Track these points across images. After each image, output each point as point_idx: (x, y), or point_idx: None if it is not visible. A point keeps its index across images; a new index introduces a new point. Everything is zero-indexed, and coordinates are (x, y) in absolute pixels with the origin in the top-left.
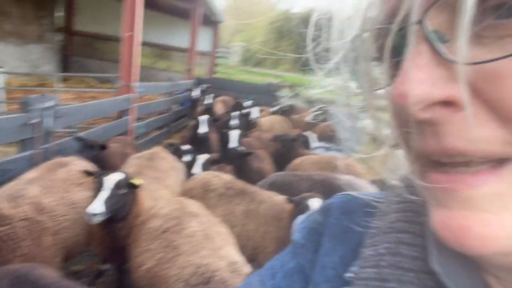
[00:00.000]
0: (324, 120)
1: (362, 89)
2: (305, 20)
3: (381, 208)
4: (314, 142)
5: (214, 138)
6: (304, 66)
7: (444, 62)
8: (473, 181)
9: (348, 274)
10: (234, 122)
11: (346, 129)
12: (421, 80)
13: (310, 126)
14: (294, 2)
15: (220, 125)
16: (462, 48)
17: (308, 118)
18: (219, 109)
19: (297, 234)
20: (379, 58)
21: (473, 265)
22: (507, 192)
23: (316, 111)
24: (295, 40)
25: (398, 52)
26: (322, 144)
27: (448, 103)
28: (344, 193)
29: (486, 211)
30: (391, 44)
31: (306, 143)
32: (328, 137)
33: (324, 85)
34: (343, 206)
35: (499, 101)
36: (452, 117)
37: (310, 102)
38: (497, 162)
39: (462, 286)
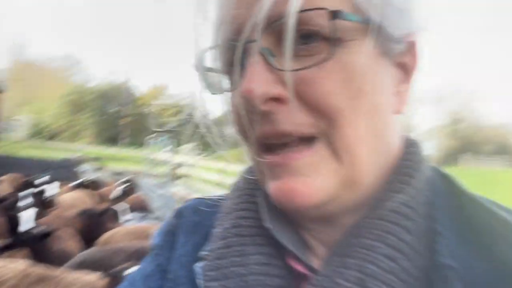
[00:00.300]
0: (133, 191)
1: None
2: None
3: (225, 203)
4: (126, 214)
5: (1, 222)
6: (109, 139)
7: (274, 70)
8: (296, 156)
9: (202, 252)
10: (24, 202)
11: (157, 198)
12: (260, 82)
13: (119, 199)
14: (90, 75)
15: (6, 206)
16: (287, 61)
17: (115, 192)
18: (4, 189)
19: (155, 239)
20: (224, 70)
21: (293, 222)
22: (318, 161)
23: (124, 182)
24: (95, 113)
25: (240, 63)
26: (135, 214)
27: (278, 99)
28: (195, 197)
29: (306, 176)
30: (238, 56)
31: (115, 216)
32: (141, 207)
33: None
34: (194, 206)
35: (309, 97)
36: (281, 109)
37: (117, 174)
38: (309, 140)
39: (287, 239)
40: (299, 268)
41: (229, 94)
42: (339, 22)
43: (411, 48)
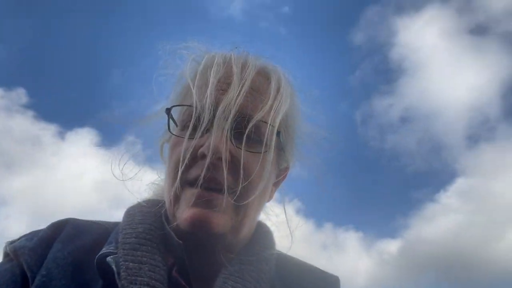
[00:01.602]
0: None
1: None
2: None
3: (128, 220)
4: None
5: None
6: None
7: (228, 142)
8: (218, 196)
9: (106, 250)
10: None
11: None
12: (225, 144)
13: None
14: None
15: None
16: (243, 145)
17: None
18: None
19: (24, 243)
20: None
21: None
22: (227, 207)
23: None
24: None
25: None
26: None
27: (219, 158)
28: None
29: (219, 212)
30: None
31: None
32: None
33: None
34: (70, 223)
35: (242, 169)
36: (220, 164)
37: None
38: (229, 190)
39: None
40: (182, 281)
41: (179, 141)
42: (273, 141)
43: (286, 171)
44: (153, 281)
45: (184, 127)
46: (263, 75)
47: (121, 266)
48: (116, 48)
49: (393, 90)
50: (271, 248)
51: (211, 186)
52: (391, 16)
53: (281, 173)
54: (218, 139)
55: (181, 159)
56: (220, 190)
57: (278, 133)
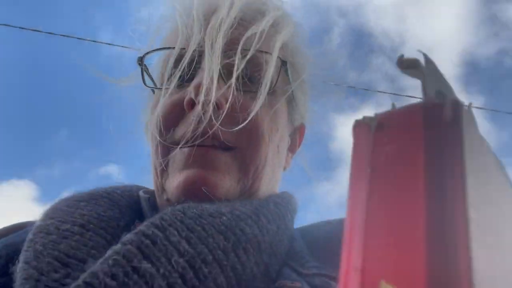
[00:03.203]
0: None
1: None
2: None
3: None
4: None
5: None
6: None
7: (220, 83)
8: (215, 152)
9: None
10: None
11: None
12: (212, 81)
13: None
14: None
15: None
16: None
17: None
18: None
19: None
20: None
21: None
22: (231, 165)
23: None
24: None
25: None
26: None
27: (219, 106)
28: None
29: (219, 172)
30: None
31: None
32: None
33: None
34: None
35: (243, 116)
36: (218, 115)
37: None
38: (227, 149)
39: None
40: None
41: (161, 92)
42: (278, 77)
43: (301, 130)
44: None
45: (164, 80)
46: (256, 10)
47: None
48: (67, 107)
49: (332, 177)
50: (290, 206)
51: (206, 142)
52: (331, 114)
53: (295, 131)
54: (207, 78)
55: (164, 112)
56: (218, 147)
57: (284, 63)
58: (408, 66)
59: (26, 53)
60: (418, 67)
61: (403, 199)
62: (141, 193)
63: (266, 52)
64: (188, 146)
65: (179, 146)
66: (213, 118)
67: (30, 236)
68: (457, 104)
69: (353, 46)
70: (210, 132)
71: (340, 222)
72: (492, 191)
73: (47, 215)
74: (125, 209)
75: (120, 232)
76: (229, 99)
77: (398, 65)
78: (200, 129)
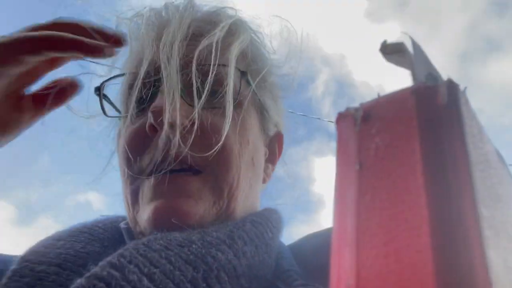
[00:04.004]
0: None
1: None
2: None
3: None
4: None
5: None
6: None
7: (183, 105)
8: (185, 178)
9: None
10: None
11: None
12: (172, 107)
13: None
14: None
15: None
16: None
17: None
18: None
19: None
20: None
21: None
22: (203, 189)
23: None
24: None
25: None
26: None
27: (183, 128)
28: None
29: (192, 198)
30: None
31: None
32: None
33: None
34: None
35: (209, 134)
36: (183, 137)
37: None
38: (197, 172)
39: None
40: None
41: (123, 123)
42: (240, 88)
43: (279, 139)
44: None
45: (125, 107)
46: (209, 22)
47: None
48: (50, 132)
49: (312, 220)
50: (272, 224)
51: (175, 167)
52: (311, 156)
53: (272, 141)
54: (165, 100)
55: (128, 140)
56: (188, 170)
57: (244, 73)
58: (393, 50)
59: None
60: (404, 51)
61: (400, 199)
62: (121, 224)
63: (223, 65)
64: (155, 175)
65: (146, 175)
66: (179, 141)
67: (4, 280)
68: (452, 85)
69: (336, 94)
70: (181, 156)
71: (327, 232)
72: (497, 185)
73: (23, 259)
74: (108, 242)
75: None
76: (194, 120)
77: (382, 50)
78: (166, 154)
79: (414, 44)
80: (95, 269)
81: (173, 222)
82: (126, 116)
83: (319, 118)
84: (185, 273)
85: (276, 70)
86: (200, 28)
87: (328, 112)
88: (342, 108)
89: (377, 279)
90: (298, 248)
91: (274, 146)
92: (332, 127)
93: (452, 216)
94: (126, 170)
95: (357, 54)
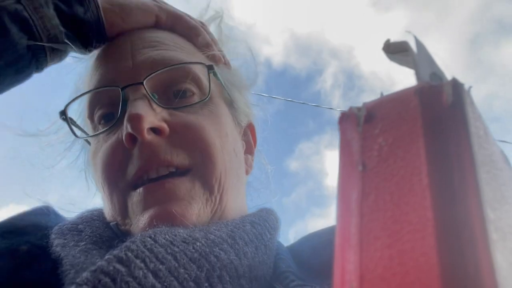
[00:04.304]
0: None
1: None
2: None
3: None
4: None
5: None
6: None
7: (157, 109)
8: (175, 181)
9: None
10: None
11: None
12: (147, 112)
13: None
14: None
15: None
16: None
17: None
18: None
19: None
20: (95, 117)
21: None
22: (193, 188)
23: None
24: None
25: (122, 104)
26: None
27: (160, 132)
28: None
29: (185, 200)
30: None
31: None
32: None
33: None
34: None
35: (188, 133)
36: (162, 141)
37: None
38: (184, 172)
39: None
40: None
41: (96, 141)
42: (208, 83)
43: (251, 129)
44: None
45: (94, 124)
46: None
47: None
48: None
49: (328, 214)
50: (269, 224)
51: (161, 173)
52: (323, 150)
53: (246, 132)
54: (138, 106)
55: (105, 157)
56: (175, 173)
57: (211, 67)
58: (396, 50)
59: None
60: (408, 51)
61: (404, 201)
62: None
63: (190, 63)
64: (144, 185)
65: (134, 188)
66: (159, 145)
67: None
68: (457, 85)
69: (345, 86)
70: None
71: (325, 232)
72: (503, 186)
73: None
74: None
75: None
76: (170, 122)
77: (384, 50)
78: (149, 162)
79: (418, 42)
80: (101, 262)
81: (174, 224)
82: (97, 134)
83: (331, 108)
84: (189, 272)
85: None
86: (158, 35)
87: (338, 104)
88: (351, 100)
89: (381, 281)
90: (296, 249)
91: (248, 137)
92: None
93: (458, 218)
94: (108, 187)
95: (365, 45)
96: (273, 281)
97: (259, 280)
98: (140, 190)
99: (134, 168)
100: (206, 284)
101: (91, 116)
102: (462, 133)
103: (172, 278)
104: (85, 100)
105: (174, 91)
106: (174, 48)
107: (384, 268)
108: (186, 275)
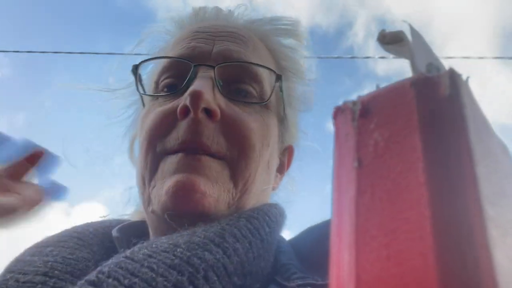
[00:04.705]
0: None
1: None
2: None
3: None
4: None
5: None
6: None
7: (217, 94)
8: (207, 159)
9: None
10: None
11: None
12: (208, 91)
13: None
14: None
15: None
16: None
17: None
18: None
19: None
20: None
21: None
22: (221, 173)
23: None
24: None
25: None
26: None
27: (211, 115)
28: None
29: (209, 179)
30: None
31: None
32: None
33: None
34: None
35: (235, 127)
36: (210, 125)
37: None
38: (218, 158)
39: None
40: None
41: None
42: (270, 91)
43: (290, 151)
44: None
45: (158, 89)
46: (253, 30)
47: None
48: None
49: None
50: (271, 217)
51: (198, 151)
52: None
53: (284, 153)
54: (203, 85)
55: (156, 120)
56: (210, 155)
57: (279, 77)
58: (392, 40)
59: None
60: (403, 41)
61: (401, 198)
62: (114, 232)
63: (262, 66)
64: (181, 153)
65: (171, 153)
66: (208, 127)
67: None
68: (454, 75)
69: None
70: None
71: (327, 225)
72: (503, 180)
73: (8, 269)
74: (97, 247)
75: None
76: (225, 111)
77: (379, 40)
78: (193, 137)
79: (413, 32)
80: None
81: (189, 197)
82: (157, 97)
83: (368, 57)
84: (169, 278)
85: (299, 81)
86: (242, 32)
87: (374, 55)
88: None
89: (377, 283)
90: (298, 242)
91: (284, 158)
92: (381, 70)
93: (456, 216)
94: (148, 147)
95: None
96: (274, 274)
97: (254, 275)
98: (178, 154)
99: (176, 139)
100: (191, 287)
101: (157, 81)
102: (460, 126)
103: None
104: (159, 65)
105: (240, 88)
106: (253, 48)
107: (381, 269)
108: (165, 283)
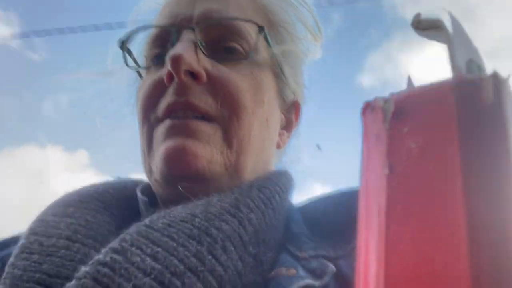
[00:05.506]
0: None
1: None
2: None
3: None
4: None
5: None
6: None
7: (200, 55)
8: (196, 122)
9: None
10: None
11: None
12: (189, 54)
13: None
14: None
15: None
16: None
17: None
18: None
19: None
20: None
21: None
22: (213, 135)
23: None
24: None
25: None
26: None
27: (197, 77)
28: None
29: (200, 141)
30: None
31: None
32: None
33: None
34: None
35: (222, 86)
36: (196, 87)
37: None
38: (209, 120)
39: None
40: None
41: (143, 73)
42: (258, 43)
43: (296, 108)
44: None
45: (148, 62)
46: None
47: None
48: None
49: None
50: (280, 185)
51: (188, 114)
52: (396, 55)
53: (289, 109)
54: (183, 48)
55: (146, 91)
56: (200, 118)
57: (262, 28)
58: (427, 27)
59: None
60: (443, 30)
61: (436, 211)
62: (138, 193)
63: (242, 19)
64: (169, 119)
65: (161, 120)
66: (194, 89)
67: (11, 259)
68: (498, 80)
69: None
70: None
71: (335, 195)
72: None
73: (32, 230)
74: (117, 211)
75: (112, 238)
76: (210, 71)
77: (414, 26)
78: (179, 101)
79: (454, 22)
80: (98, 256)
81: (182, 161)
82: (148, 69)
83: None
84: (189, 248)
85: (299, 44)
86: None
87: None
88: None
89: None
90: (307, 210)
91: (291, 114)
92: (411, 16)
93: (493, 229)
94: (143, 119)
95: None
96: (286, 243)
97: (267, 243)
98: (166, 121)
99: (164, 104)
100: (210, 257)
101: (147, 54)
102: (502, 136)
103: (172, 257)
104: (147, 38)
105: (225, 47)
106: (235, 3)
107: (410, 279)
108: (186, 252)
